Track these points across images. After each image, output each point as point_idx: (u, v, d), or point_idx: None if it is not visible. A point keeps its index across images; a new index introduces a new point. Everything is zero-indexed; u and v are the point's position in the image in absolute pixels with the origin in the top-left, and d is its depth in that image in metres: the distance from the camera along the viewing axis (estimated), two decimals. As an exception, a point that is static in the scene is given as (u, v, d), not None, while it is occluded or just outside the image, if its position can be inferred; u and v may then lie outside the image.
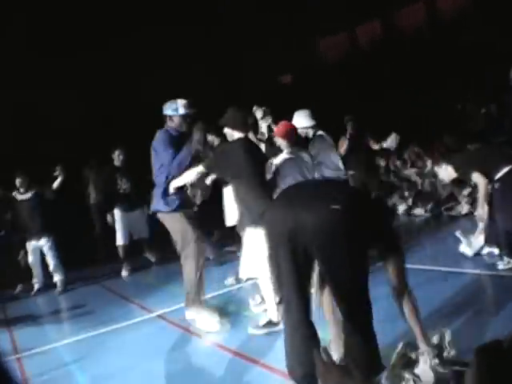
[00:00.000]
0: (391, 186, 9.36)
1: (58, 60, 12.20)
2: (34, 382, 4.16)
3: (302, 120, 5.53)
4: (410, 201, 8.62)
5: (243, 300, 5.22)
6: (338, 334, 2.94)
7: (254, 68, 14.91)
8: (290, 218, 2.66)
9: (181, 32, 13.71)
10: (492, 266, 4.71)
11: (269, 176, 4.41)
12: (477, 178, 4.81)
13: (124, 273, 7.94)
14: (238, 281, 5.67)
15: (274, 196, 3.96)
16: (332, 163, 5.43)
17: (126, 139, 8.42)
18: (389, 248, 2.79)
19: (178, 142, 4.64)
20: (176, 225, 4.62)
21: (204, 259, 4.69)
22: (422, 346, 2.76)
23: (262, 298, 4.55)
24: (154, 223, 7.03)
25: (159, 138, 4.65)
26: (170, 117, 4.69)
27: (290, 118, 5.55)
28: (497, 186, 4.73)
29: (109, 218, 8.03)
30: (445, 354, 2.77)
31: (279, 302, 4.07)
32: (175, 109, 4.67)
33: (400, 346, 2.83)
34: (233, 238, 7.93)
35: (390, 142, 8.27)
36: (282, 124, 5.05)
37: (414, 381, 2.66)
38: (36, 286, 7.78)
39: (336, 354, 2.89)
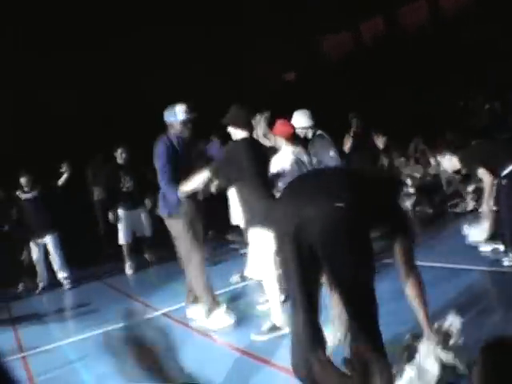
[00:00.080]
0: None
1: (58, 60, 12.17)
2: (39, 381, 4.17)
3: (301, 120, 5.51)
4: (415, 198, 8.58)
5: (249, 298, 5.21)
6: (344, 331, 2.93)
7: (258, 66, 14.89)
8: (295, 214, 2.64)
9: (181, 32, 13.68)
10: (497, 262, 4.70)
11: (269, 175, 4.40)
12: (482, 174, 4.82)
13: (128, 271, 7.93)
14: (244, 278, 5.65)
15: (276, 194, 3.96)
16: (331, 161, 5.42)
17: (126, 139, 8.41)
18: (397, 228, 2.79)
19: (177, 148, 4.63)
20: (180, 231, 4.62)
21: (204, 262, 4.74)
22: (426, 332, 2.74)
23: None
24: (155, 222, 7.05)
25: (155, 147, 4.67)
26: (171, 123, 4.66)
27: (292, 116, 5.55)
28: (504, 182, 4.73)
29: (110, 215, 7.96)
30: (451, 341, 2.75)
31: (285, 301, 4.07)
32: (174, 115, 4.64)
33: (407, 337, 2.81)
34: (228, 235, 8.01)
35: (378, 143, 8.45)
36: (282, 123, 4.95)
37: (415, 372, 2.64)
38: (40, 285, 7.78)
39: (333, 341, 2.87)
